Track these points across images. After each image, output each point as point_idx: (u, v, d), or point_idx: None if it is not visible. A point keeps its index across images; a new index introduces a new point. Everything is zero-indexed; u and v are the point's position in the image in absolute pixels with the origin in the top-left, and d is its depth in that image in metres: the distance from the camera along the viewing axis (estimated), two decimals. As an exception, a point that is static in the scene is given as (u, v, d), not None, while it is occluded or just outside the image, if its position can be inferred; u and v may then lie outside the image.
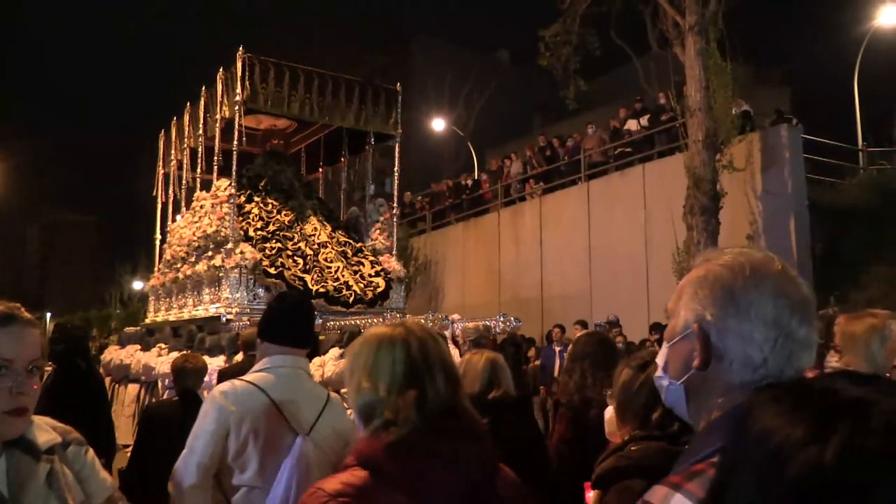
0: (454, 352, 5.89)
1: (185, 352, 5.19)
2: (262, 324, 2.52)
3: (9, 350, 1.45)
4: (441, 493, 1.29)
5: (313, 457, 2.23)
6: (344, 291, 9.56)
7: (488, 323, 7.31)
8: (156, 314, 12.02)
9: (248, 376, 2.42)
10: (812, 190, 11.62)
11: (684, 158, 10.94)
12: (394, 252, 10.72)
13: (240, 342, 5.85)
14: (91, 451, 1.69)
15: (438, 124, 27.57)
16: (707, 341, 1.01)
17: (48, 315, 35.40)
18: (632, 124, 14.16)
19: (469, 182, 18.70)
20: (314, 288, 9.29)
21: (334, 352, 6.27)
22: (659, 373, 1.11)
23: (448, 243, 18.00)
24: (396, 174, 11.00)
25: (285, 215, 10.30)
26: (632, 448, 1.87)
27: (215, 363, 6.07)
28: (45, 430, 1.58)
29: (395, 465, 1.29)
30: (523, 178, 16.72)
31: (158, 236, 12.84)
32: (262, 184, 10.66)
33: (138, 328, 11.57)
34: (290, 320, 2.48)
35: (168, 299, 11.38)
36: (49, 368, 4.50)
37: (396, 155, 10.89)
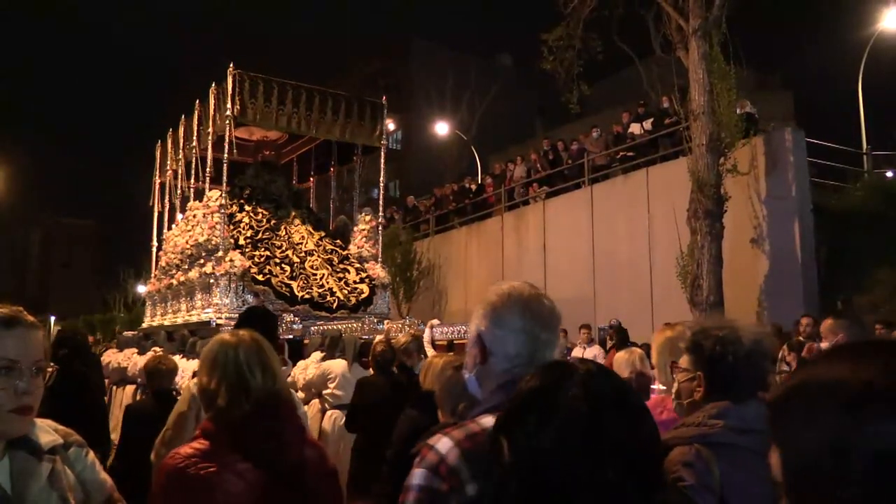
0: (430, 353, 6.31)
1: (159, 354, 5.32)
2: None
3: (14, 351, 1.50)
4: (262, 456, 1.79)
5: None
6: (328, 297, 9.87)
7: (462, 327, 7.86)
8: (152, 319, 12.32)
9: None
10: (816, 193, 11.59)
11: (688, 162, 10.92)
12: (379, 259, 10.99)
13: None
14: (91, 453, 1.74)
15: (441, 128, 27.62)
16: (483, 345, 1.53)
17: (52, 319, 35.46)
18: (635, 128, 14.15)
19: (472, 186, 18.71)
20: (300, 294, 9.62)
21: (316, 355, 6.48)
22: (464, 370, 1.62)
23: (451, 247, 18.00)
24: (382, 183, 11.29)
25: (274, 224, 10.66)
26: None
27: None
28: (48, 432, 1.63)
29: (229, 436, 1.80)
30: (527, 182, 16.72)
31: (155, 244, 13.15)
32: (253, 194, 11.02)
33: (136, 332, 11.80)
34: (256, 328, 2.93)
35: (164, 304, 11.70)
36: (51, 370, 4.59)
37: (381, 166, 11.15)
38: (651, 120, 13.87)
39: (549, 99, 22.51)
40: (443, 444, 1.42)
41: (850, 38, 18.87)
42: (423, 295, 17.78)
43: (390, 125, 34.11)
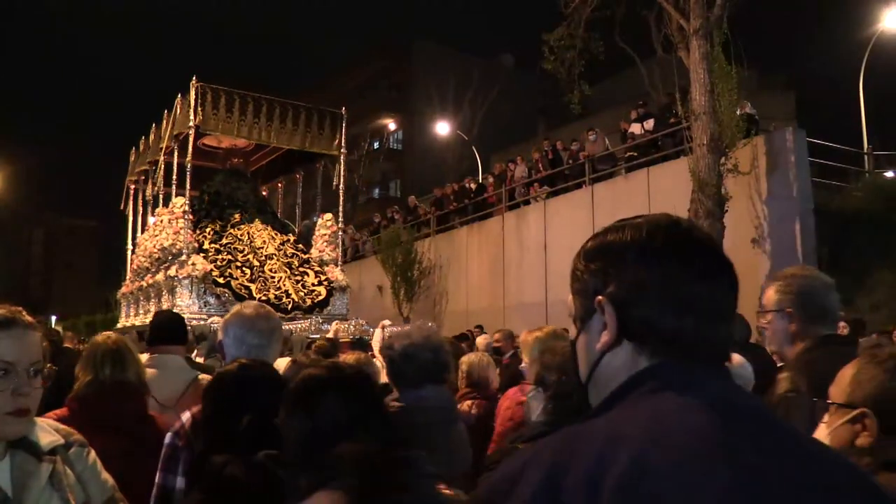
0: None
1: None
2: (148, 334, 3.71)
3: (10, 353, 1.49)
4: (99, 423, 2.33)
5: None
6: (284, 299, 10.38)
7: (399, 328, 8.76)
8: (126, 319, 12.89)
9: None
10: (817, 194, 11.56)
11: (689, 162, 10.91)
12: (339, 263, 11.53)
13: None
14: (93, 453, 1.72)
15: (443, 128, 27.59)
16: (223, 351, 2.36)
17: (53, 319, 35.49)
18: (636, 128, 14.14)
19: (473, 186, 18.69)
20: (258, 296, 10.08)
21: None
22: None
23: (452, 247, 17.99)
24: (341, 190, 11.71)
25: (238, 229, 11.19)
26: None
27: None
28: (48, 432, 1.61)
29: (78, 408, 2.51)
30: (528, 182, 16.71)
31: (129, 247, 13.67)
32: (220, 199, 11.60)
33: (111, 333, 12.04)
34: (163, 328, 3.64)
35: (136, 305, 12.27)
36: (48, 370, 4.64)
37: (341, 173, 11.59)
38: (652, 120, 13.86)
39: (550, 99, 22.52)
40: (185, 416, 2.12)
41: (851, 38, 18.87)
42: (423, 295, 17.76)
43: (391, 125, 34.17)
